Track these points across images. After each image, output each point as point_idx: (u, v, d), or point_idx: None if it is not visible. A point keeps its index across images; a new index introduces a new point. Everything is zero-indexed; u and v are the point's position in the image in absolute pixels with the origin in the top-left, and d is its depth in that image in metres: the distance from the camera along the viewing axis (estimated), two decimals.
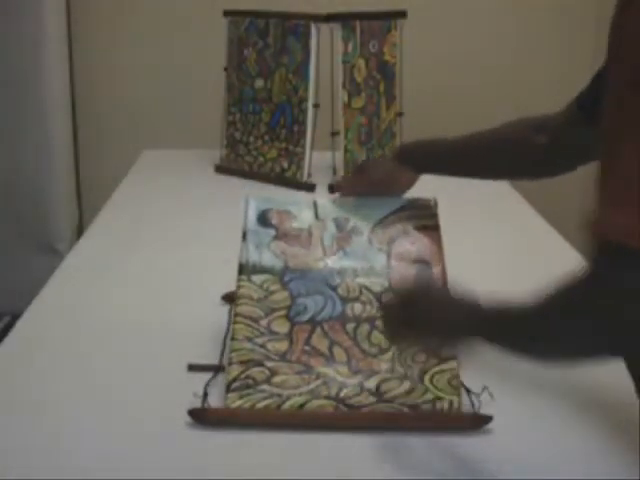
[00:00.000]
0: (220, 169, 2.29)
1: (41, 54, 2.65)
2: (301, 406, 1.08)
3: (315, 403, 1.09)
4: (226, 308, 1.31)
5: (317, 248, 1.22)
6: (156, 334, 1.32)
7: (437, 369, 1.12)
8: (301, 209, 1.26)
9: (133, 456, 1.02)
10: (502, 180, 1.25)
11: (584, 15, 2.85)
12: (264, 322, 1.16)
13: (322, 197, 1.31)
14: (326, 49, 2.09)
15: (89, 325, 1.37)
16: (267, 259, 1.21)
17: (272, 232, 1.23)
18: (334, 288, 1.19)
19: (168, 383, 1.18)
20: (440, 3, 2.82)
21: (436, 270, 1.20)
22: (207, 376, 1.14)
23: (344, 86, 2.10)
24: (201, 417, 1.07)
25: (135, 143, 2.66)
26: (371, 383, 1.11)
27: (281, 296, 1.18)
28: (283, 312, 1.17)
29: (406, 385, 1.10)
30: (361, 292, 1.19)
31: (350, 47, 2.10)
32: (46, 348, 1.28)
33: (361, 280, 1.20)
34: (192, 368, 1.18)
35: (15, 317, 1.43)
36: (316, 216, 1.25)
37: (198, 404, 1.08)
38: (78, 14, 2.81)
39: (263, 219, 1.24)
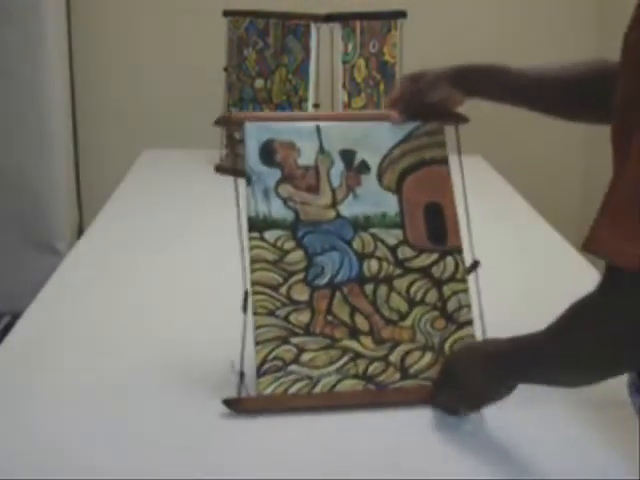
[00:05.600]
0: (220, 169, 2.29)
1: (41, 54, 2.65)
2: (332, 387, 1.12)
3: (346, 384, 1.13)
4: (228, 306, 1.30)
5: (326, 191, 1.19)
6: (155, 333, 1.32)
7: (456, 336, 1.17)
8: (304, 138, 1.20)
9: (133, 461, 1.02)
10: (574, 121, 1.20)
11: (585, 15, 2.85)
12: (283, 290, 1.15)
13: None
14: (326, 49, 2.09)
15: (89, 325, 1.37)
16: (277, 209, 1.17)
17: (278, 173, 1.18)
18: (348, 242, 1.18)
19: (167, 384, 1.18)
20: (440, 3, 2.82)
21: (447, 212, 1.20)
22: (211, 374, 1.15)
23: (344, 86, 2.10)
24: (236, 406, 1.09)
25: (135, 143, 2.66)
26: (395, 356, 1.15)
27: (297, 256, 1.16)
28: (301, 276, 1.16)
29: (428, 357, 1.16)
30: (376, 246, 1.18)
31: (350, 47, 2.10)
32: (46, 348, 1.28)
33: (374, 231, 1.19)
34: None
35: (15, 317, 1.43)
36: (321, 148, 1.20)
37: (201, 401, 1.08)
38: (78, 14, 2.81)
39: (266, 154, 1.18)
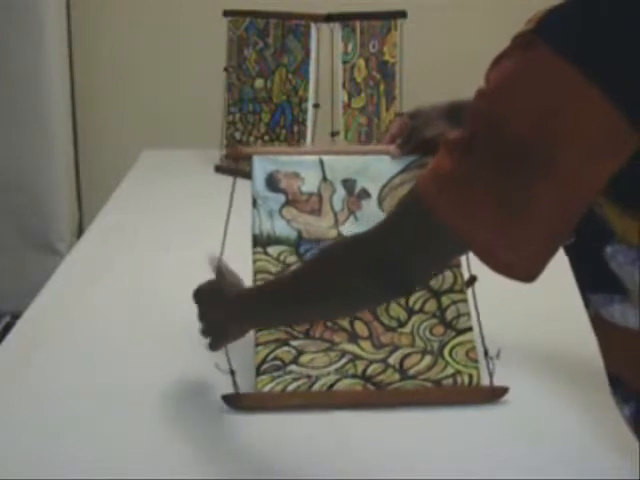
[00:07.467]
0: (220, 169, 2.29)
1: (41, 54, 2.65)
2: (330, 387, 1.13)
3: (344, 383, 1.14)
4: None
5: (328, 214, 1.23)
6: (155, 333, 1.33)
7: (455, 342, 1.17)
8: (308, 169, 1.24)
9: (134, 460, 1.02)
10: None
11: None
12: None
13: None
14: (326, 49, 2.09)
15: (89, 325, 1.37)
16: (280, 228, 1.21)
17: (282, 198, 1.23)
18: None
19: (167, 382, 1.18)
20: (440, 3, 2.82)
21: None
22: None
23: (344, 86, 2.10)
24: (235, 402, 1.11)
25: (135, 143, 2.66)
26: (394, 359, 1.16)
27: None
28: None
29: (427, 360, 1.16)
30: None
31: (350, 47, 2.11)
32: (46, 348, 1.29)
33: None
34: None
35: (15, 317, 1.43)
36: (324, 176, 1.24)
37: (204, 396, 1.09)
38: (78, 14, 2.81)
39: (271, 182, 1.23)
